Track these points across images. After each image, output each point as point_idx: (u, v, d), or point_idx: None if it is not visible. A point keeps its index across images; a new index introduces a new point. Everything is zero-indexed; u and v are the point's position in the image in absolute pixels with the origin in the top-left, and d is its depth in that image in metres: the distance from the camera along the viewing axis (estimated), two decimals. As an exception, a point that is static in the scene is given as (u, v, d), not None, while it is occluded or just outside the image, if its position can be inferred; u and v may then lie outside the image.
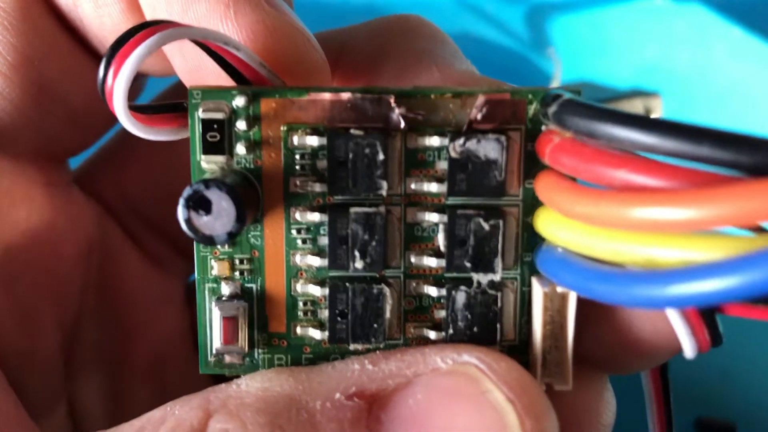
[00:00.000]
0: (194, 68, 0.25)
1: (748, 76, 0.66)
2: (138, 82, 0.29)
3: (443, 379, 0.21)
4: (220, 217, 0.21)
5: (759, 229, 0.18)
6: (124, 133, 0.22)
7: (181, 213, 0.21)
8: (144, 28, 0.21)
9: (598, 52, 0.66)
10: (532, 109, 0.22)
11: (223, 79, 0.24)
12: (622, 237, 0.19)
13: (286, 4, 0.25)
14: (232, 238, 0.21)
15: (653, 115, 0.63)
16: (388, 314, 0.23)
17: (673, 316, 0.21)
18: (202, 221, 0.21)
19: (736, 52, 0.67)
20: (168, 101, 0.23)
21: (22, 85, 0.26)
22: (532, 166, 0.23)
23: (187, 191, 0.20)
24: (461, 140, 0.22)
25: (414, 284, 0.23)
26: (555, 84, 0.61)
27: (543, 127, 0.22)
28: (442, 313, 0.23)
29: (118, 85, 0.21)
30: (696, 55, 0.66)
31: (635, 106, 0.62)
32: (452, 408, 0.20)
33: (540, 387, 0.21)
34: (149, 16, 0.25)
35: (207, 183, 0.20)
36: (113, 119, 0.29)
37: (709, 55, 0.66)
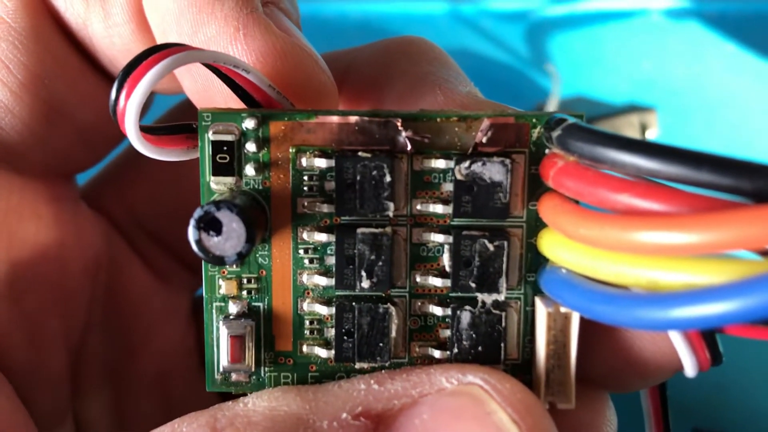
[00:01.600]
0: (203, 89, 0.25)
1: (742, 89, 0.67)
2: (147, 100, 0.30)
3: (448, 399, 0.21)
4: (230, 238, 0.21)
5: (766, 253, 0.18)
6: (131, 149, 0.23)
7: (191, 234, 0.21)
8: (156, 52, 0.21)
9: (594, 68, 0.66)
10: (535, 132, 0.23)
11: (232, 100, 0.24)
12: (625, 260, 0.19)
13: (295, 27, 0.25)
14: (241, 258, 0.21)
15: (649, 129, 0.64)
16: (393, 333, 0.23)
17: (675, 337, 0.21)
18: (213, 242, 0.21)
19: (731, 66, 0.67)
20: (178, 122, 0.23)
21: (31, 103, 0.26)
22: (536, 188, 0.23)
23: (198, 212, 0.21)
24: (467, 163, 0.22)
25: (419, 304, 0.24)
26: (554, 99, 0.62)
27: (546, 151, 0.23)
28: (447, 333, 0.24)
29: (130, 108, 0.21)
30: (691, 69, 0.67)
31: (631, 121, 0.63)
32: (457, 428, 0.21)
33: (544, 408, 0.21)
34: (159, 37, 0.25)
35: (218, 204, 0.21)
36: (120, 136, 0.29)
37: (704, 69, 0.67)
